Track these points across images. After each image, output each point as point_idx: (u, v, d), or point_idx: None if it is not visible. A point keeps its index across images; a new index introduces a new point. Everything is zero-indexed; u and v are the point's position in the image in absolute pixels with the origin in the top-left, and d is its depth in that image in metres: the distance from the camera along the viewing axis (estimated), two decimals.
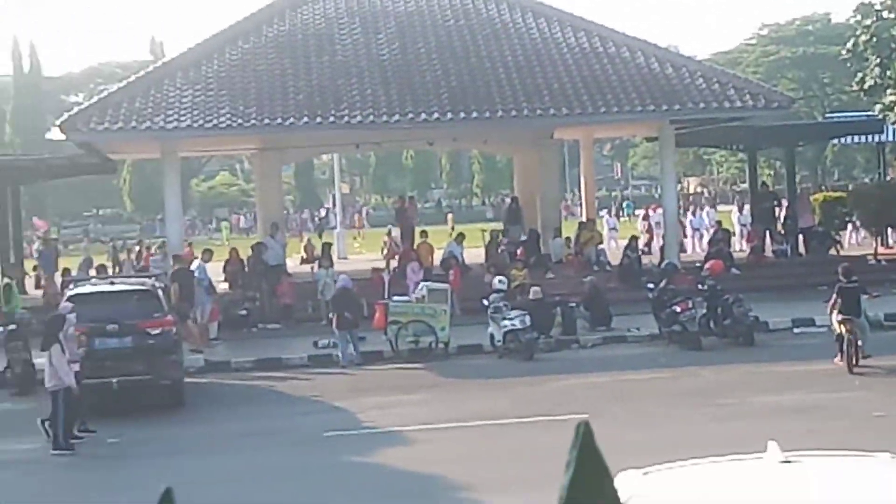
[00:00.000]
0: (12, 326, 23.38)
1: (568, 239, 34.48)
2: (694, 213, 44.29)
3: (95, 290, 21.36)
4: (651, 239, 40.35)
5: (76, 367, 17.68)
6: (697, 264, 29.95)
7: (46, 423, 17.20)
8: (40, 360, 21.70)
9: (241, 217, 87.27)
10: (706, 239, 37.81)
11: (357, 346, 23.80)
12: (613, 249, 38.74)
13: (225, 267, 31.48)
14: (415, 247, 32.84)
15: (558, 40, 32.52)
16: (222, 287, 29.78)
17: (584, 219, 39.02)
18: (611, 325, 26.08)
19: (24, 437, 18.44)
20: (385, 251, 38.27)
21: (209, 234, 71.77)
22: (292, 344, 25.82)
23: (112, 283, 22.22)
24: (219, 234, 73.24)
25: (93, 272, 29.26)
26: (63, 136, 28.99)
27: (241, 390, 21.68)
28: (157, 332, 19.88)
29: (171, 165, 30.93)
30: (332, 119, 29.38)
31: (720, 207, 56.57)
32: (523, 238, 33.53)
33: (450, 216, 68.32)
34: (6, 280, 26.80)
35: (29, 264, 36.79)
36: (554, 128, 34.79)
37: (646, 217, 45.08)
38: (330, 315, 25.26)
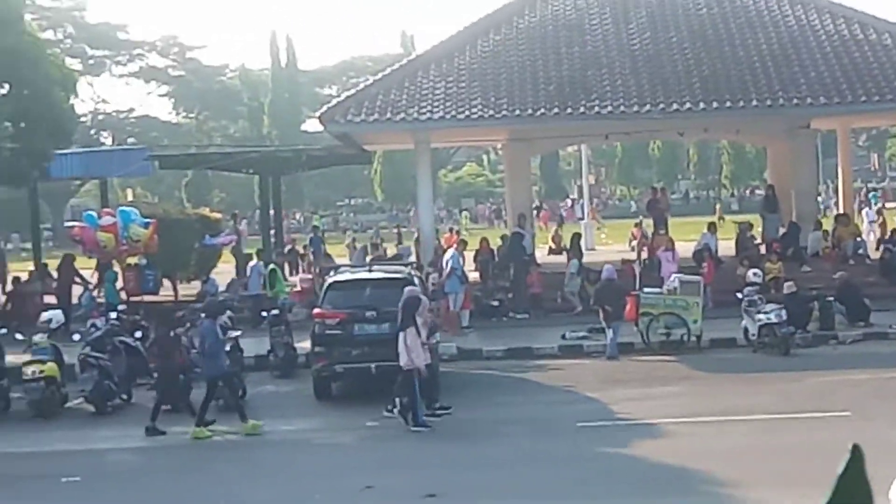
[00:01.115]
0: (275, 311, 24.26)
1: (826, 232, 33.46)
2: None
3: (354, 277, 21.95)
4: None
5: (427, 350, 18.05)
6: None
7: (402, 401, 17.72)
8: (301, 344, 22.58)
9: (486, 207, 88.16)
10: None
11: (615, 339, 23.57)
12: (873, 242, 37.35)
13: (475, 256, 31.91)
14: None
15: (816, 27, 31.64)
16: (473, 276, 30.18)
17: (840, 211, 37.77)
18: (869, 320, 25.21)
19: (288, 417, 19.19)
20: (634, 242, 38.01)
21: (452, 224, 72.73)
22: (542, 334, 25.94)
23: (370, 271, 22.82)
24: (458, 224, 74.07)
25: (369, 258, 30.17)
26: (321, 128, 29.96)
27: (494, 378, 21.93)
28: None
29: (423, 156, 31.57)
30: (582, 109, 29.37)
31: None
32: (782, 231, 32.70)
33: (717, 206, 67.09)
34: (272, 266, 27.86)
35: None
36: (810, 118, 33.82)
37: (880, 211, 43.44)
38: (592, 306, 25.29)
